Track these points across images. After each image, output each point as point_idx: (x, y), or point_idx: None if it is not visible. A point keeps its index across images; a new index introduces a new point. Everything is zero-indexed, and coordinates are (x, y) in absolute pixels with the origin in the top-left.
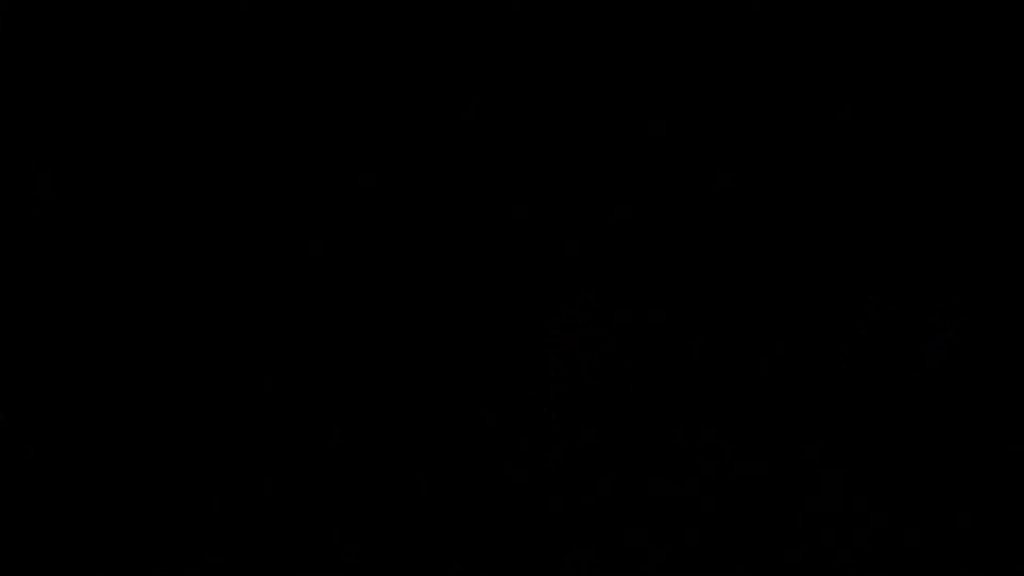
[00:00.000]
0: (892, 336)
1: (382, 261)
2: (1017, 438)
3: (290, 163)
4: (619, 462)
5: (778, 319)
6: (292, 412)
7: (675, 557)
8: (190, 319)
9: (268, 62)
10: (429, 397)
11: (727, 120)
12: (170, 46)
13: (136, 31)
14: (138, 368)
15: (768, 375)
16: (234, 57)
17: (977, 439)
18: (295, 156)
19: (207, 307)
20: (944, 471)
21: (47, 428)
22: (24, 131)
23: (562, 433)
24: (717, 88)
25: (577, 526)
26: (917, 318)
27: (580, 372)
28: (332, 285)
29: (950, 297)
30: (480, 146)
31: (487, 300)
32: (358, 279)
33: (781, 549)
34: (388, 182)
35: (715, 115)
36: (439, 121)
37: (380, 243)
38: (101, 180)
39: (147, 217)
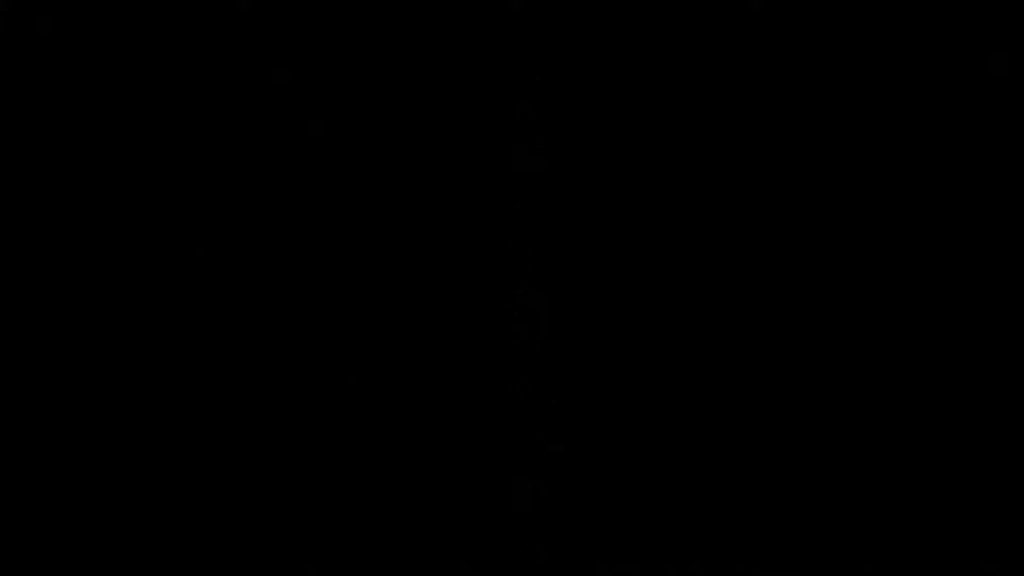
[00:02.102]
0: (892, 334)
1: (382, 261)
2: (1017, 438)
3: (289, 163)
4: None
5: (777, 319)
6: (292, 412)
7: (675, 557)
8: (190, 318)
9: (267, 61)
10: (429, 397)
11: (727, 120)
12: (169, 45)
13: (135, 31)
14: (138, 367)
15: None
16: (233, 56)
17: (977, 439)
18: (294, 156)
19: (206, 306)
20: (944, 471)
21: (47, 427)
22: (24, 129)
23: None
24: (716, 88)
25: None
26: (912, 316)
27: None
28: (332, 285)
29: (940, 295)
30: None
31: (487, 300)
32: (358, 279)
33: (782, 549)
34: (388, 182)
35: (715, 115)
36: (439, 121)
37: (380, 243)
38: (101, 180)
39: (147, 217)
